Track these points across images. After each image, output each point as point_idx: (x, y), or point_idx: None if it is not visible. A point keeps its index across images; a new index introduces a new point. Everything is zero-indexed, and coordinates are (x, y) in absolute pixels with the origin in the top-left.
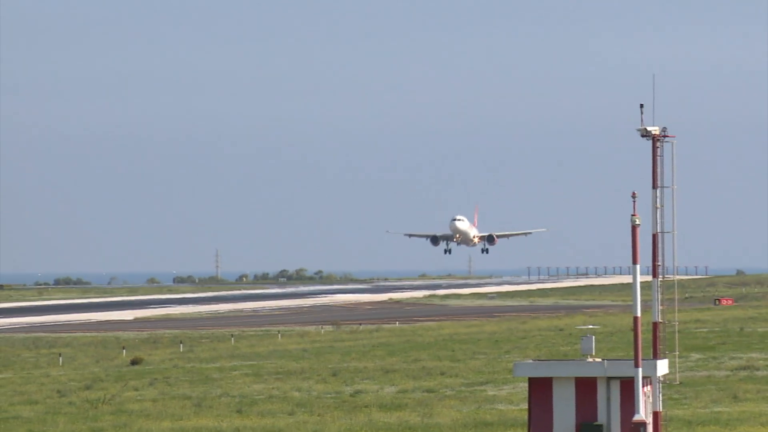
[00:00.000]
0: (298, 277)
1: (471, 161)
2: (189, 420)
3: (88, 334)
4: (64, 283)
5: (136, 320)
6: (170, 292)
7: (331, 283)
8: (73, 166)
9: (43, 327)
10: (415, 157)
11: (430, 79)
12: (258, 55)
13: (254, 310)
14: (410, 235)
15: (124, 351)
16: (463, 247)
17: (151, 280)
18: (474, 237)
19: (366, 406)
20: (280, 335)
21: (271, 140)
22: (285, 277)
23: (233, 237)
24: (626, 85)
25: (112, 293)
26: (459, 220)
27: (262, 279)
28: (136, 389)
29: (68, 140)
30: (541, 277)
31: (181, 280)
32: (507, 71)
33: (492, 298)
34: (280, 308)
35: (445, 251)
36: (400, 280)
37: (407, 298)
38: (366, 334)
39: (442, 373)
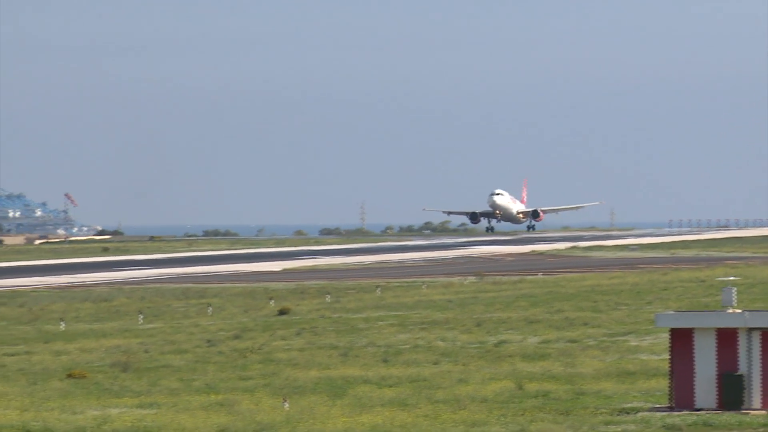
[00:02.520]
0: (443, 229)
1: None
2: (336, 369)
3: (236, 284)
4: (213, 235)
5: (284, 271)
6: (317, 243)
7: (475, 235)
8: (222, 119)
9: (192, 277)
10: (561, 107)
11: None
12: (400, 11)
13: (399, 262)
14: (449, 213)
15: (272, 301)
16: (509, 224)
17: (298, 232)
18: (518, 213)
19: (509, 356)
20: (424, 286)
21: (415, 93)
22: (429, 229)
23: (379, 189)
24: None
25: (260, 245)
26: (498, 194)
27: (407, 231)
28: (284, 339)
29: (218, 94)
30: (683, 229)
31: (327, 232)
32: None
33: (634, 249)
34: (425, 259)
35: (488, 229)
36: (543, 232)
37: (550, 250)
38: (509, 285)
39: (585, 324)
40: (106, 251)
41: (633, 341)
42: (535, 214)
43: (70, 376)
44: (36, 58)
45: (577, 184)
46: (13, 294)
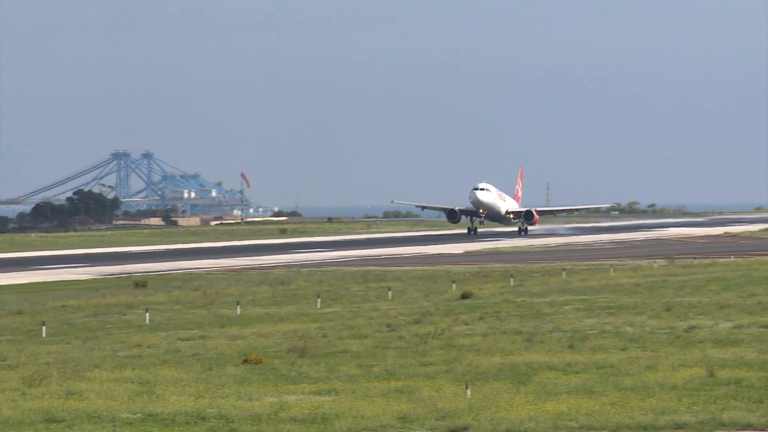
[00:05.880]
0: (631, 211)
1: None
2: (520, 355)
3: (417, 267)
4: (393, 216)
5: (466, 253)
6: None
7: (664, 217)
8: (402, 97)
9: (372, 260)
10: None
11: None
12: None
13: (586, 244)
14: (423, 207)
15: (454, 285)
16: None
17: None
18: (507, 213)
19: (700, 342)
20: (612, 269)
21: (603, 70)
22: (617, 211)
23: (564, 170)
24: None
25: (440, 227)
26: (481, 189)
27: (594, 212)
28: (466, 323)
29: (395, 71)
30: None
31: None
32: None
33: None
34: (612, 241)
35: (470, 231)
36: (735, 213)
37: (742, 232)
38: (700, 269)
39: None
40: (283, 233)
41: None
42: (528, 216)
43: (245, 361)
44: (209, 37)
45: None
46: (189, 277)
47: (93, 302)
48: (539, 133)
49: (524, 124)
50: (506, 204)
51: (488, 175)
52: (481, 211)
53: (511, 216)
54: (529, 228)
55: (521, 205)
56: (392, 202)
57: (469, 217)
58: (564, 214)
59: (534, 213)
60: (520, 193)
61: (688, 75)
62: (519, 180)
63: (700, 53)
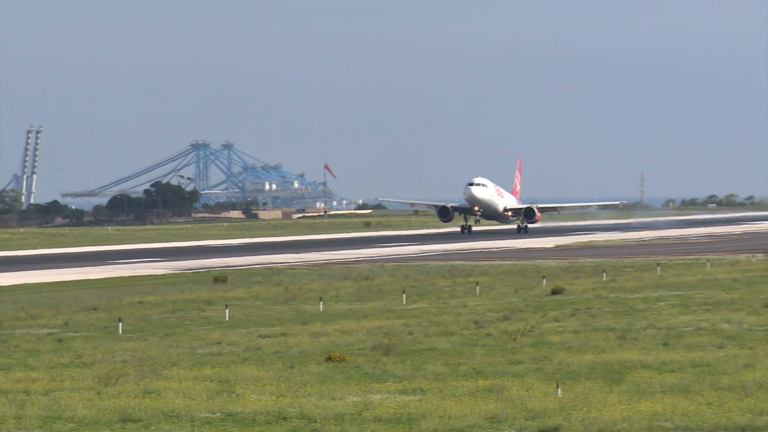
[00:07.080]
0: (728, 203)
1: None
2: (612, 353)
3: (506, 262)
4: None
5: (557, 248)
6: (593, 218)
7: (764, 209)
8: (489, 86)
9: (459, 254)
10: None
11: None
12: None
13: (681, 237)
14: (412, 204)
15: (544, 280)
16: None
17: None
18: (505, 210)
19: None
20: (708, 264)
21: (701, 58)
22: (714, 203)
23: (660, 161)
24: None
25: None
26: (477, 185)
27: (690, 204)
28: (557, 320)
29: (484, 59)
30: None
31: (604, 207)
32: None
33: None
34: (709, 235)
35: (463, 229)
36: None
37: None
38: None
39: None
40: (367, 226)
41: None
42: (528, 213)
43: (328, 359)
44: (291, 25)
45: None
46: (270, 272)
47: (171, 298)
48: (634, 123)
49: (618, 115)
50: (504, 200)
51: (588, 169)
52: (476, 208)
53: (510, 213)
54: (530, 226)
55: (519, 201)
56: (377, 198)
57: (462, 215)
58: (568, 210)
59: (535, 210)
60: (518, 188)
61: None
62: (517, 173)
63: None
